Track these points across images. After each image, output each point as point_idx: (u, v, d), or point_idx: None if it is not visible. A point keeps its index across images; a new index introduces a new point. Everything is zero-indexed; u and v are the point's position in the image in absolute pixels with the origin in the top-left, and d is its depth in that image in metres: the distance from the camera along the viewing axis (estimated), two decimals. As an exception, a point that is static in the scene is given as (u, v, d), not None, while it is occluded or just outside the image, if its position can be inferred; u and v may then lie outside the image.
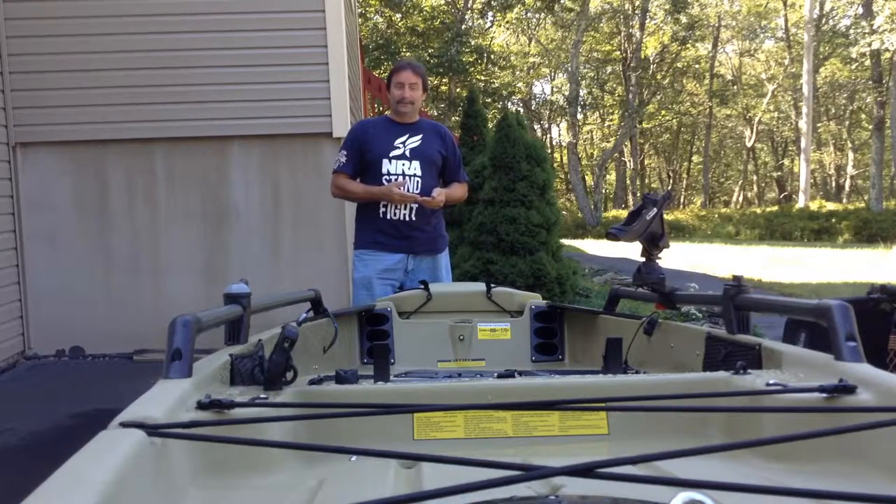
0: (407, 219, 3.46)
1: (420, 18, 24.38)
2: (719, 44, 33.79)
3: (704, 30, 30.15)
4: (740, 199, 37.29)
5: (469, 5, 25.54)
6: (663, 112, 33.09)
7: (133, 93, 5.38)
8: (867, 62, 26.05)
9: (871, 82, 25.92)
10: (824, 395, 1.18)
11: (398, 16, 24.13)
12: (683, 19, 26.05)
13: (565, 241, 11.76)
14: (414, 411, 1.31)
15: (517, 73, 30.71)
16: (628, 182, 35.95)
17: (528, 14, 28.37)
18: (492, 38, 30.24)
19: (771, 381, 1.30)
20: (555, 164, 28.69)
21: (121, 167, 5.53)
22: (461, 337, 2.76)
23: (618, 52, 30.29)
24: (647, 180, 40.25)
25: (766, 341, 1.61)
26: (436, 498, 0.68)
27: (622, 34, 29.57)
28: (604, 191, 30.57)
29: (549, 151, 20.22)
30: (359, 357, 2.71)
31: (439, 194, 3.43)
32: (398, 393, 1.40)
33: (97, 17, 5.38)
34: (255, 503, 1.07)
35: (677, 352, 2.02)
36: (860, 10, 25.02)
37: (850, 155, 34.48)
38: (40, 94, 5.34)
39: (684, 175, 40.93)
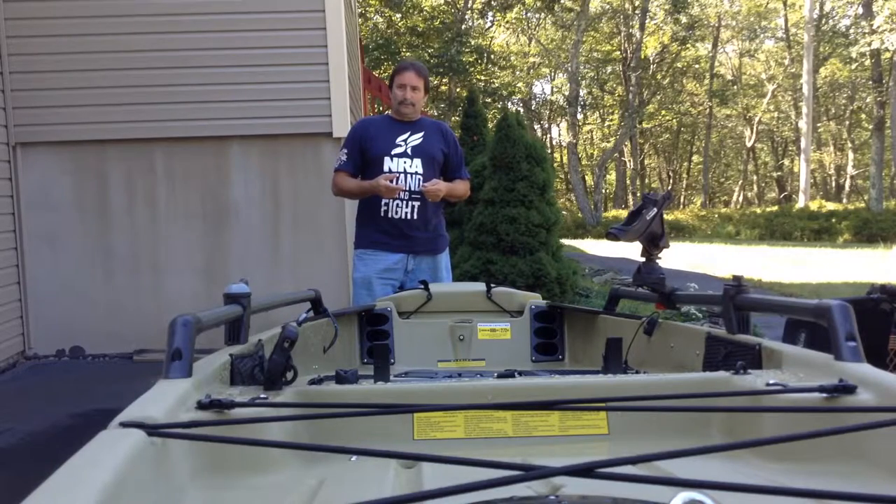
0: (408, 217, 3.46)
1: (420, 18, 24.37)
2: (719, 44, 33.78)
3: (704, 30, 30.14)
4: (740, 199, 37.29)
5: (469, 5, 25.54)
6: (663, 112, 33.09)
7: (133, 93, 5.38)
8: (867, 62, 26.04)
9: (871, 82, 25.91)
10: (824, 395, 1.18)
11: (398, 16, 24.12)
12: (683, 19, 26.03)
13: (565, 241, 11.76)
14: (414, 411, 1.31)
15: (517, 73, 30.71)
16: (628, 182, 35.96)
17: (528, 14, 28.36)
18: (492, 38, 30.25)
19: (771, 381, 1.30)
20: (555, 164, 28.69)
21: (121, 167, 5.53)
22: (461, 337, 2.76)
23: (618, 52, 30.29)
24: (647, 180, 40.26)
25: (766, 341, 1.60)
26: (436, 498, 0.68)
27: (622, 34, 29.57)
28: (604, 191, 30.56)
29: (549, 151, 20.23)
30: (359, 357, 2.71)
31: (434, 184, 3.43)
32: (398, 393, 1.40)
33: (97, 17, 5.38)
34: (255, 503, 1.07)
35: (677, 352, 2.02)
36: (860, 10, 25.02)
37: (850, 155, 34.48)
38: (40, 94, 5.34)
39: (684, 175, 40.93)
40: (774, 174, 39.09)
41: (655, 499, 0.75)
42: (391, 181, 3.37)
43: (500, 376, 1.66)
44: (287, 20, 5.49)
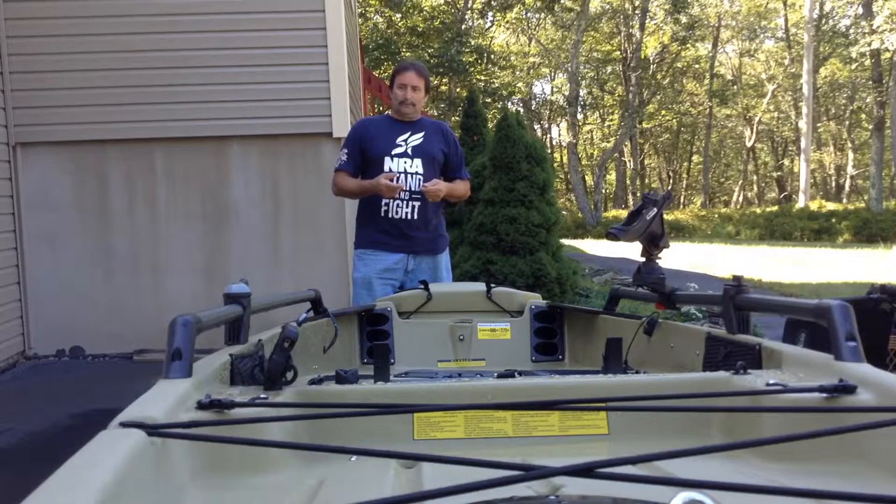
0: (408, 217, 3.46)
1: (420, 18, 24.37)
2: (719, 44, 33.79)
3: (704, 30, 30.15)
4: (740, 199, 37.29)
5: (469, 5, 25.53)
6: (663, 112, 33.10)
7: (133, 93, 5.38)
8: (867, 62, 26.04)
9: (871, 82, 25.92)
10: (824, 395, 1.18)
11: (398, 16, 24.12)
12: (683, 19, 26.04)
13: (565, 241, 11.77)
14: (414, 411, 1.31)
15: (517, 73, 30.72)
16: (628, 182, 35.97)
17: (528, 14, 28.37)
18: (492, 38, 30.24)
19: (771, 381, 1.30)
20: (555, 164, 28.69)
21: (121, 167, 5.53)
22: (461, 337, 2.76)
23: (618, 52, 30.29)
24: (647, 180, 40.26)
25: (766, 341, 1.60)
26: (436, 498, 0.68)
27: (622, 34, 29.57)
28: (604, 191, 30.56)
29: (549, 151, 20.22)
30: (359, 357, 2.72)
31: (435, 184, 3.43)
32: (398, 393, 1.40)
33: (97, 17, 5.37)
34: (255, 503, 1.07)
35: (677, 352, 2.02)
36: (860, 10, 25.02)
37: (850, 155, 34.48)
38: (40, 94, 5.34)
39: (684, 175, 40.94)
40: (774, 174, 39.09)
41: (655, 499, 0.75)
42: (391, 180, 3.37)
43: (500, 376, 1.66)
44: (287, 20, 5.49)
